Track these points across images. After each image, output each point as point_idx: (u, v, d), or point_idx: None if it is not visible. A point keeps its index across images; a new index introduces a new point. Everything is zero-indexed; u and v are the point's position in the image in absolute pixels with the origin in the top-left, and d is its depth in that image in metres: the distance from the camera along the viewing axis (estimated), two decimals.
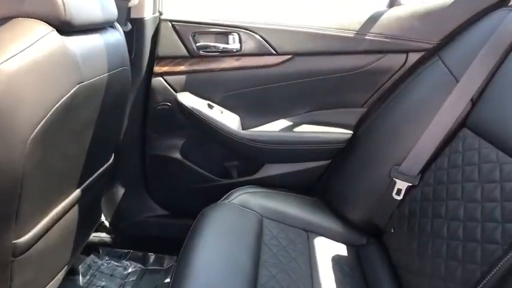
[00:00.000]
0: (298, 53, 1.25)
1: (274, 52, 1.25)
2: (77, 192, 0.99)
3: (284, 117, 1.35)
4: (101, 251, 1.53)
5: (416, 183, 1.04)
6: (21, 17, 0.70)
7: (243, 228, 1.07)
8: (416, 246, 0.95)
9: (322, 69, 1.27)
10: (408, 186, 1.06)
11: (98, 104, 0.90)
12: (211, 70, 1.28)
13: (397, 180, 1.08)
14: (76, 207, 1.02)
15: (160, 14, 1.29)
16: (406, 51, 1.23)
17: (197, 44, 1.26)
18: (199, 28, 1.26)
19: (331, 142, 1.29)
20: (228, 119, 1.31)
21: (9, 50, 0.64)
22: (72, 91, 0.75)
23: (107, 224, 1.51)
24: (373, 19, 1.23)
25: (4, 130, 0.64)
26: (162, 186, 1.47)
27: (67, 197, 0.95)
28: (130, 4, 1.19)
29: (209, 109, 1.29)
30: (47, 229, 0.88)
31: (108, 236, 1.53)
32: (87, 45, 0.82)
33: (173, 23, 1.26)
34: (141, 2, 1.21)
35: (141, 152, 1.40)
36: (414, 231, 0.97)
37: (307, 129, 1.31)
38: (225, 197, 1.20)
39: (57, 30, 0.72)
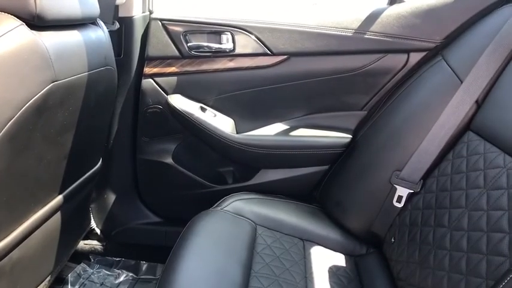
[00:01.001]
0: (294, 53, 1.20)
1: (269, 52, 1.20)
2: (59, 199, 0.94)
3: (280, 121, 1.30)
4: (91, 259, 1.48)
5: (418, 190, 0.98)
6: None
7: (235, 236, 1.01)
8: (417, 257, 0.89)
9: (320, 70, 1.21)
10: (409, 193, 1.00)
11: (77, 105, 0.85)
12: (204, 71, 1.24)
13: (397, 187, 1.02)
14: (58, 215, 0.97)
15: (151, 12, 1.25)
16: (408, 51, 1.17)
17: (189, 44, 1.22)
18: (191, 27, 1.21)
19: (330, 147, 1.23)
20: (222, 123, 1.26)
21: None
22: (44, 90, 0.70)
23: (97, 231, 1.46)
24: (373, 17, 1.18)
25: None
26: (155, 193, 1.42)
27: (47, 203, 0.90)
28: (117, 2, 1.14)
29: (202, 112, 1.24)
30: (23, 237, 0.83)
31: (99, 243, 1.48)
32: (62, 42, 0.77)
33: (164, 22, 1.21)
34: (130, 0, 1.17)
35: (132, 156, 1.35)
36: (415, 241, 0.91)
37: (305, 133, 1.26)
38: (217, 203, 1.15)
39: (27, 25, 0.68)
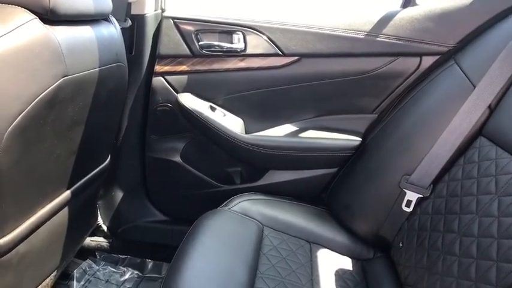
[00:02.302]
0: (305, 54, 1.20)
1: (280, 53, 1.20)
2: (66, 194, 0.95)
3: (289, 122, 1.29)
4: (97, 256, 1.49)
5: (428, 194, 0.97)
6: (2, 3, 0.66)
7: (241, 237, 1.01)
8: (425, 263, 0.87)
9: (331, 71, 1.21)
10: (419, 197, 0.99)
11: (88, 100, 0.85)
12: (214, 70, 1.23)
13: (407, 191, 1.00)
14: (66, 210, 0.97)
15: (163, 11, 1.25)
16: (420, 55, 1.16)
17: (200, 43, 1.22)
18: (203, 26, 1.21)
19: (339, 149, 1.22)
20: (231, 122, 1.25)
21: None
22: (55, 84, 0.70)
23: (104, 228, 1.47)
24: (386, 20, 1.17)
25: None
26: (162, 191, 1.42)
27: (54, 198, 0.91)
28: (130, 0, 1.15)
29: (211, 111, 1.24)
30: (30, 231, 0.84)
31: (105, 240, 1.48)
32: (74, 37, 0.77)
33: (176, 20, 1.21)
34: None
35: (141, 154, 1.35)
36: (424, 247, 0.90)
37: (314, 135, 1.25)
38: (224, 203, 1.14)
39: (40, 19, 0.68)
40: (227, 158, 1.31)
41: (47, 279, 1.03)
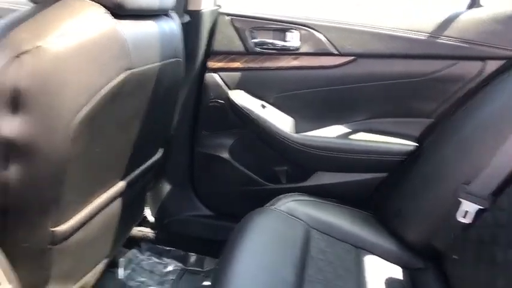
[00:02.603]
0: (362, 54, 1.17)
1: (336, 52, 1.18)
2: (121, 185, 0.97)
3: (341, 123, 1.26)
4: (142, 246, 1.52)
5: (487, 206, 0.92)
6: None
7: (289, 237, 1.00)
8: (483, 278, 0.83)
9: (387, 73, 1.17)
10: (477, 208, 0.94)
11: (148, 94, 0.87)
12: (267, 68, 1.23)
13: (463, 201, 0.95)
14: (119, 200, 1.00)
15: (219, 7, 1.25)
16: (484, 58, 1.10)
17: (254, 40, 1.21)
18: (258, 24, 1.21)
19: (391, 153, 1.19)
20: (281, 121, 1.24)
21: (59, 29, 0.62)
22: (120, 77, 0.72)
23: (150, 219, 1.50)
24: (448, 21, 1.12)
25: (48, 112, 0.62)
26: (208, 186, 1.43)
27: (110, 188, 0.93)
28: None
29: (262, 109, 1.24)
30: (87, 219, 0.86)
31: (151, 231, 1.51)
32: (139, 31, 0.79)
33: (231, 17, 1.22)
34: None
35: (190, 149, 1.37)
36: (482, 261, 0.85)
37: (365, 138, 1.22)
38: (271, 202, 1.13)
39: (109, 13, 0.70)
40: (275, 157, 1.31)
41: (98, 266, 1.06)
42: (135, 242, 1.51)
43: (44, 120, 0.62)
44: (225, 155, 1.34)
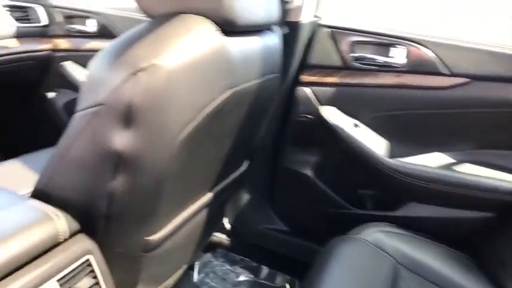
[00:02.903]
0: (477, 76, 1.05)
1: (446, 72, 1.07)
2: (209, 195, 0.96)
3: (442, 151, 1.15)
4: (217, 251, 1.52)
5: None
6: (186, 12, 0.67)
7: (376, 273, 0.92)
8: None
9: (504, 99, 1.04)
10: None
11: (244, 110, 0.85)
12: (365, 85, 1.15)
13: None
14: (205, 210, 0.99)
15: (318, 18, 1.20)
16: None
17: (354, 55, 1.14)
18: (360, 37, 1.14)
19: (501, 191, 1.05)
20: (375, 143, 1.16)
21: (173, 46, 0.61)
22: (224, 96, 0.70)
23: (227, 226, 1.49)
24: None
25: (156, 128, 0.62)
26: (287, 201, 1.39)
27: (199, 199, 0.93)
28: (289, 6, 1.12)
29: (354, 128, 1.16)
30: (176, 229, 0.87)
31: (226, 238, 1.51)
32: (245, 48, 0.76)
33: (331, 29, 1.16)
34: (300, 5, 1.14)
35: (273, 162, 1.34)
36: None
37: (471, 170, 1.09)
38: (356, 230, 1.06)
39: (220, 29, 0.68)
40: (363, 180, 1.22)
41: (180, 269, 1.07)
42: (210, 247, 1.52)
43: (152, 135, 0.62)
44: (309, 172, 1.28)
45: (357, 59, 1.15)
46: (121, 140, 0.60)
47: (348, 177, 1.25)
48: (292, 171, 1.31)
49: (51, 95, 1.72)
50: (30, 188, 0.74)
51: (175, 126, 0.64)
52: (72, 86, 1.63)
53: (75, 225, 0.69)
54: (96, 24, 1.57)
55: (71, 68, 1.64)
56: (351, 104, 1.18)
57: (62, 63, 1.64)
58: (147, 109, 0.59)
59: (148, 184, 0.68)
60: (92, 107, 0.62)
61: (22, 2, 1.53)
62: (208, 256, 1.50)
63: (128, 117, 0.59)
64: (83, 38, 1.61)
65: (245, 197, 1.42)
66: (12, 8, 1.48)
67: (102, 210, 0.68)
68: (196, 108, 0.66)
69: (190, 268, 1.44)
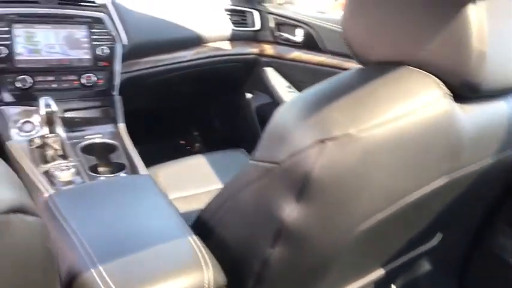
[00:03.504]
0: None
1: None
2: (381, 272, 0.79)
3: None
4: None
5: None
6: (410, 65, 0.50)
7: None
8: None
9: None
10: None
11: (459, 197, 0.63)
12: None
13: None
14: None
15: None
16: None
17: None
18: None
19: None
20: None
21: (380, 113, 0.45)
22: (437, 183, 0.51)
23: None
24: None
25: (336, 209, 0.50)
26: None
27: (368, 274, 0.76)
28: None
29: None
30: None
31: None
32: (484, 119, 0.54)
33: None
34: None
35: (474, 238, 1.05)
36: None
37: None
38: None
39: (450, 94, 0.49)
40: None
41: None
42: None
43: (328, 218, 0.50)
44: None
45: None
46: (289, 210, 0.50)
47: None
48: (497, 257, 1.00)
49: (248, 96, 1.77)
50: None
51: (359, 214, 0.49)
52: (267, 91, 1.64)
53: (222, 280, 0.62)
54: (303, 35, 1.51)
55: (271, 74, 1.64)
56: None
57: (264, 68, 1.65)
58: (328, 186, 0.46)
59: (310, 262, 0.57)
60: (267, 162, 0.52)
61: (241, 6, 1.57)
62: None
63: (303, 188, 0.48)
64: (287, 46, 1.58)
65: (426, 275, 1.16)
66: (233, 12, 1.53)
67: (254, 270, 0.60)
68: (394, 196, 0.49)
69: None
